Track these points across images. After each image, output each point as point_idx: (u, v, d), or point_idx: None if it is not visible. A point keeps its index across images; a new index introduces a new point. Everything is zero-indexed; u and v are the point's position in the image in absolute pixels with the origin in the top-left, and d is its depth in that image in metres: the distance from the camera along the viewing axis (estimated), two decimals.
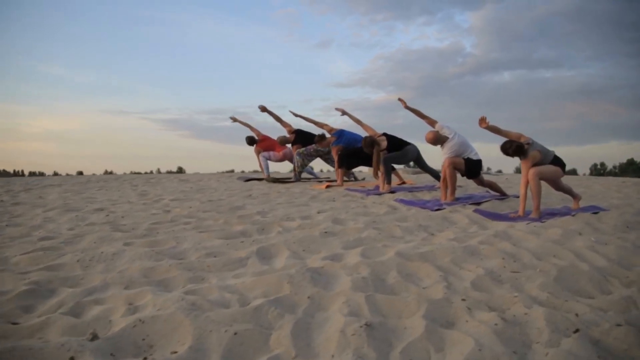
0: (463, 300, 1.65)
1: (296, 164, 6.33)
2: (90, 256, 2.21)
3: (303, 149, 6.24)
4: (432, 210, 3.62)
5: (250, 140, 7.00)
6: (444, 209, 3.67)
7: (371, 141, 4.75)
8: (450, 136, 4.06)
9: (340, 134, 5.77)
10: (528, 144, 3.40)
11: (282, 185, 5.85)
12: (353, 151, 5.61)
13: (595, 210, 3.62)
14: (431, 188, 5.20)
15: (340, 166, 5.74)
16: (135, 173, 12.57)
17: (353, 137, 5.74)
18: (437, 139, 4.05)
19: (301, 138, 6.38)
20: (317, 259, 2.15)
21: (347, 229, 2.78)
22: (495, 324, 1.45)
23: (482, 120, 3.50)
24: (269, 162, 6.95)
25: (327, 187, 5.45)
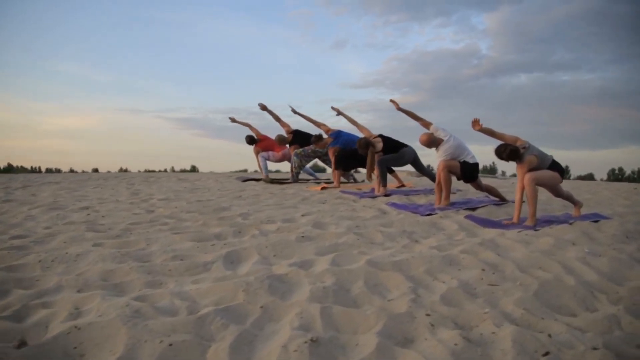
0: (427, 315, 1.53)
1: (293, 165, 6.24)
2: (54, 257, 2.15)
3: (301, 149, 6.14)
4: (422, 215, 3.48)
5: (250, 140, 6.93)
6: (436, 214, 3.52)
7: (366, 142, 4.63)
8: (445, 138, 3.91)
9: (337, 134, 5.66)
10: (524, 147, 3.24)
11: (277, 186, 5.76)
12: (350, 152, 5.49)
13: (596, 218, 3.43)
14: (429, 192, 5.04)
15: (337, 168, 5.62)
16: (149, 171, 12.75)
17: (350, 138, 5.61)
18: (432, 142, 3.91)
19: (299, 138, 6.29)
20: (285, 265, 2.05)
21: (326, 234, 2.67)
22: (455, 344, 1.32)
23: (475, 123, 3.35)
24: (268, 162, 6.88)
25: (323, 188, 5.35)
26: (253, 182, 6.57)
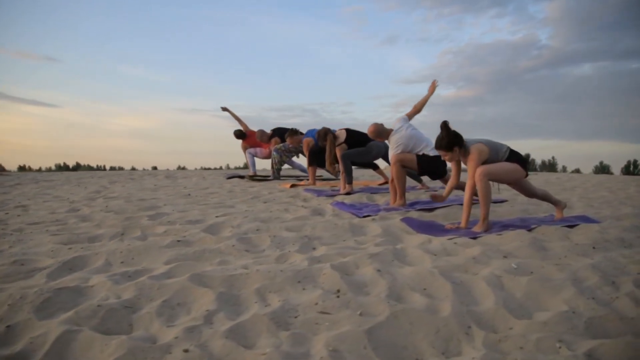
0: (185, 351, 1.16)
1: (274, 161, 5.93)
2: None
3: (281, 144, 5.83)
4: (360, 217, 3.02)
5: (239, 134, 6.71)
6: (376, 215, 3.05)
7: (325, 132, 4.21)
8: (395, 128, 3.39)
9: (311, 130, 5.25)
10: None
11: (244, 184, 5.49)
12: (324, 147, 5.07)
13: (576, 222, 2.77)
14: (409, 189, 4.50)
15: (310, 163, 5.23)
16: (205, 169, 13.47)
17: None
18: (378, 133, 3.41)
19: (279, 133, 5.97)
20: (111, 274, 1.75)
21: (209, 238, 2.33)
22: None
23: None
24: (255, 158, 6.65)
25: (292, 186, 5.00)
26: (238, 179, 6.37)
